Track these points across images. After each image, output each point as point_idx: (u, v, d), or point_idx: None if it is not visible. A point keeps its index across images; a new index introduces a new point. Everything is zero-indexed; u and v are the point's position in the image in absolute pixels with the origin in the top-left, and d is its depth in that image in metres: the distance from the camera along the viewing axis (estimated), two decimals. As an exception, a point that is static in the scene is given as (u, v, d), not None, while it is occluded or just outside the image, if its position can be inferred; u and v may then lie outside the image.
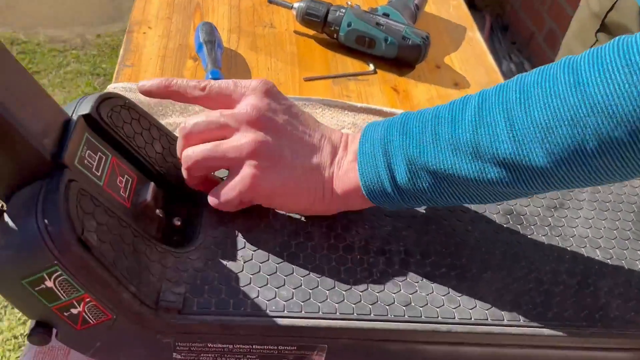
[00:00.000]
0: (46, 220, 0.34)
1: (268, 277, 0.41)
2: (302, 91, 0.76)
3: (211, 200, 0.43)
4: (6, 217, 0.35)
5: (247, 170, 0.41)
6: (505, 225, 0.49)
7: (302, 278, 0.41)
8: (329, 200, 0.44)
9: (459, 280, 0.43)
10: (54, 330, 0.38)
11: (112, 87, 0.67)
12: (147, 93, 0.44)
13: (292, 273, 0.42)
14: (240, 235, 0.44)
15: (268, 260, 0.42)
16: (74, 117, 0.39)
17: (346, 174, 0.43)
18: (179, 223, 0.44)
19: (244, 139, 0.41)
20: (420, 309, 0.41)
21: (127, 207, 0.40)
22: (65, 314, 0.37)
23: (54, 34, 2.14)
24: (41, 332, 0.37)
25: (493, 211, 0.50)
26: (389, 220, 0.47)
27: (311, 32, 0.86)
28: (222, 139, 0.42)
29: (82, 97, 0.42)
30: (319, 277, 0.42)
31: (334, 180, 0.43)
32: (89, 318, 0.37)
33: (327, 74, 0.80)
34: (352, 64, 0.83)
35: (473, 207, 0.50)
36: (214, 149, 0.41)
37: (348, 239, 0.45)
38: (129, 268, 0.37)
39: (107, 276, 0.35)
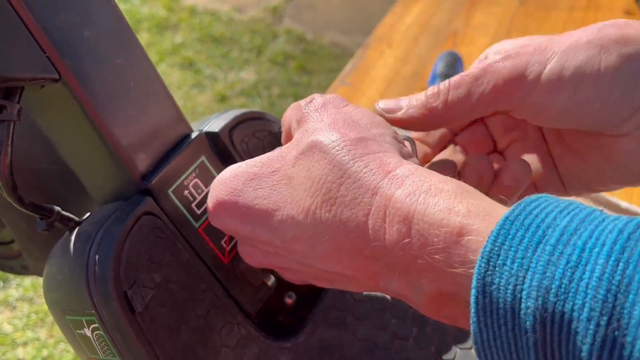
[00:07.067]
0: (97, 258, 0.26)
1: None
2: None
3: None
4: (73, 235, 0.28)
5: None
6: None
7: None
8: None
9: None
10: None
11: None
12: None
13: None
14: (357, 348, 0.30)
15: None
16: (196, 134, 0.31)
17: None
18: (290, 301, 0.33)
19: None
20: None
21: (222, 263, 0.31)
22: (104, 372, 0.29)
23: (337, 39, 2.25)
24: (83, 378, 0.30)
25: None
26: None
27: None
28: None
29: (225, 111, 0.34)
30: None
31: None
32: (125, 391, 0.28)
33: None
34: None
35: None
36: None
37: None
38: (184, 349, 0.27)
39: (145, 353, 0.26)
